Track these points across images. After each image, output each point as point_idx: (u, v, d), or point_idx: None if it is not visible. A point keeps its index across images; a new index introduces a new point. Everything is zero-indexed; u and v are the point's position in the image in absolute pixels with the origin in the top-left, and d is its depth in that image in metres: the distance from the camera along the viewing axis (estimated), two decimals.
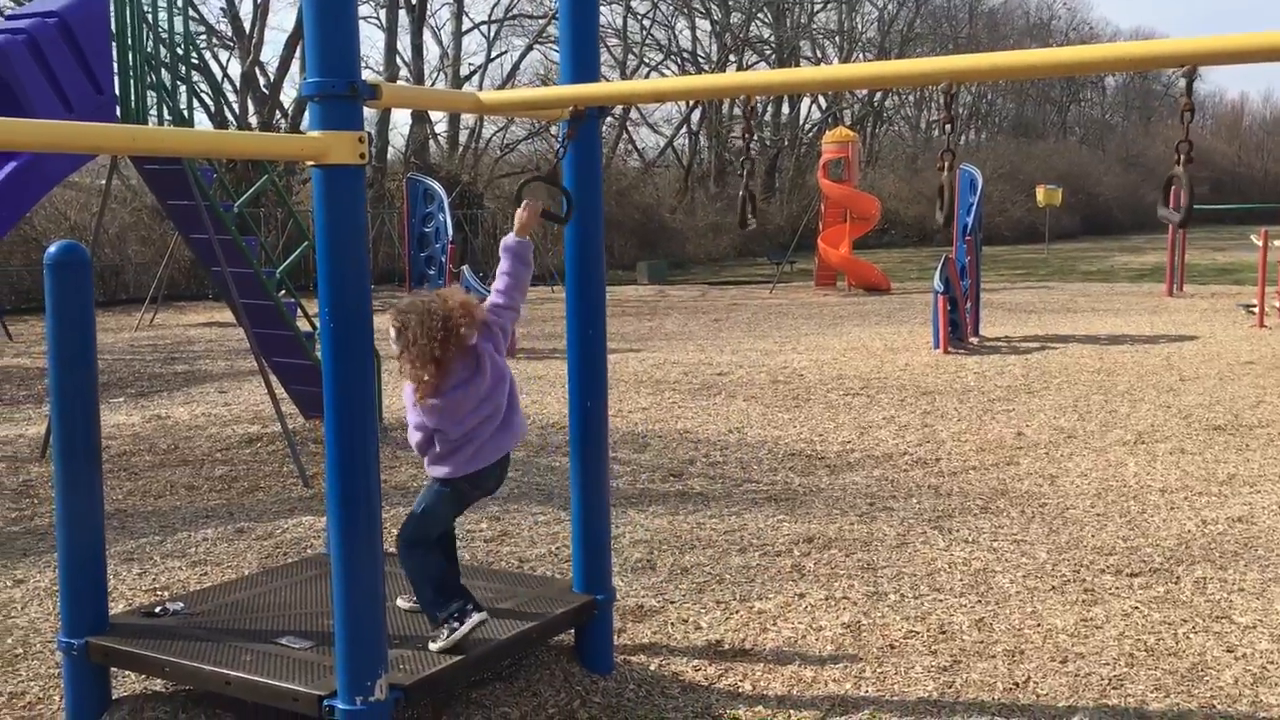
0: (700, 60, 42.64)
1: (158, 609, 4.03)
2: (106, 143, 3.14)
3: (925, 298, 19.87)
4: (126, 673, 3.96)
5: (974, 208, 14.52)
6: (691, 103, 37.27)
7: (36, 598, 5.13)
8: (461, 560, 5.46)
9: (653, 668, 4.25)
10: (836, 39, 46.47)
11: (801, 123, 45.24)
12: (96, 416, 3.72)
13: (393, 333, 3.82)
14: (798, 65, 42.16)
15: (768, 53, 43.16)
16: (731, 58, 41.27)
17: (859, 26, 47.27)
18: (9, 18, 7.53)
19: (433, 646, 3.69)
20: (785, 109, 44.41)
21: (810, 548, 5.75)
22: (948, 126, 3.17)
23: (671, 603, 4.95)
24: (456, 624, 3.70)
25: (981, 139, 54.17)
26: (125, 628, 3.84)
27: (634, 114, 39.50)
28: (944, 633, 4.57)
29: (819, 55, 46.22)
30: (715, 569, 5.42)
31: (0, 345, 16.32)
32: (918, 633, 4.59)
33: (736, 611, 4.84)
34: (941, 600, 4.95)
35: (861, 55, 45.33)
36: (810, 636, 4.56)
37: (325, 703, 3.28)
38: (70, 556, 3.71)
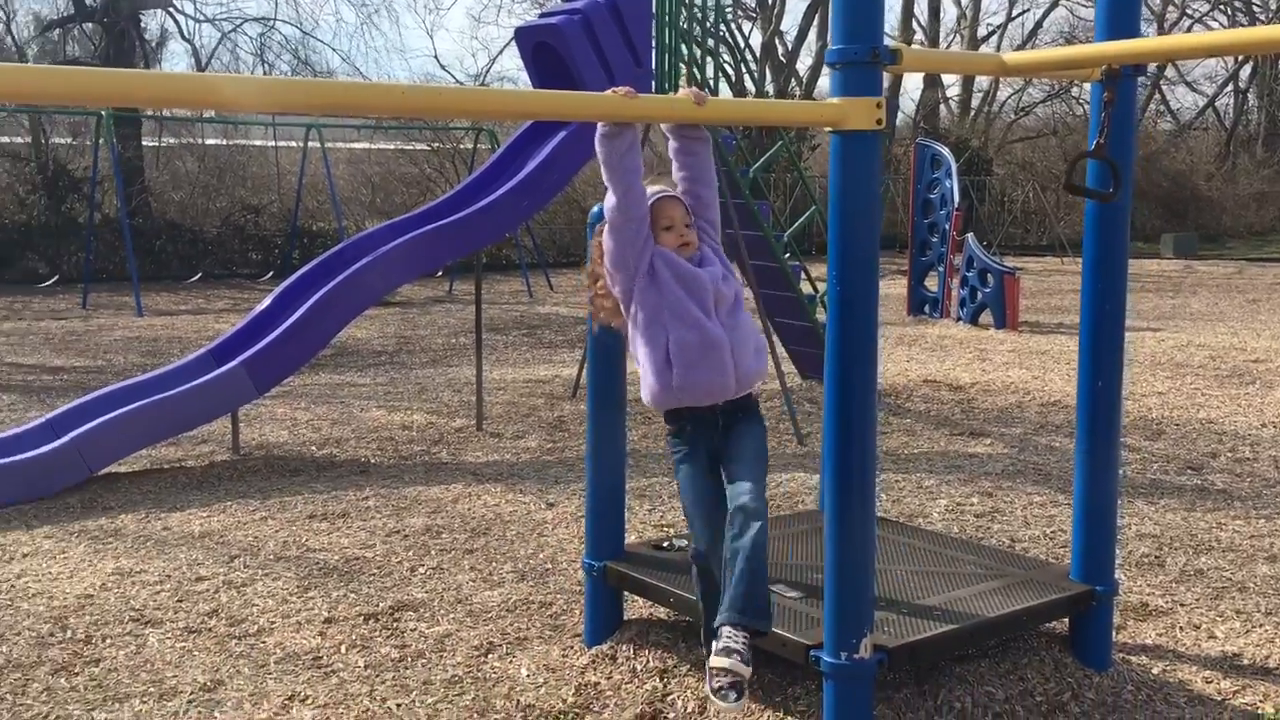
0: (1255, 9, 37.87)
1: (664, 544, 4.37)
2: (653, 112, 3.42)
3: None
4: (635, 598, 4.36)
5: None
6: (1241, 57, 33.33)
7: (564, 521, 5.78)
8: (950, 533, 5.40)
9: (1155, 671, 3.94)
10: None
11: None
12: (623, 365, 4.09)
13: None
14: None
15: None
16: None
17: None
18: None
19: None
20: None
21: None
22: None
23: (1182, 605, 4.56)
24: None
25: None
26: (638, 557, 4.21)
27: (1170, 71, 36.03)
28: None
29: None
30: (1236, 575, 4.90)
31: (543, 295, 18.43)
32: None
33: (1260, 625, 4.35)
34: None
35: None
36: None
37: (812, 653, 3.40)
38: (597, 489, 4.13)
